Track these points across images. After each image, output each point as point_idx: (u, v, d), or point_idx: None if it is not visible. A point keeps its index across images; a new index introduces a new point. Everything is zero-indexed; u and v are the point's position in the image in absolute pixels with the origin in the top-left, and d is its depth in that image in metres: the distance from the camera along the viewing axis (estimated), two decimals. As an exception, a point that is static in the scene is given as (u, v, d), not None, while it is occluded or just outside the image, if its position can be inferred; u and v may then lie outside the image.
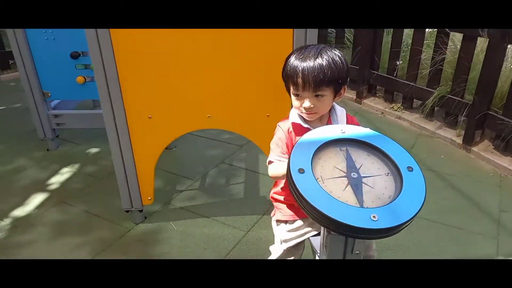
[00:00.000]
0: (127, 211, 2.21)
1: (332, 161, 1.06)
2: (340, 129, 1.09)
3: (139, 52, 1.79)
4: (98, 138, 3.20)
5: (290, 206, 1.42)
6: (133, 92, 1.88)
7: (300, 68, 1.18)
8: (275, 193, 1.45)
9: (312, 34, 1.72)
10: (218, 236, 2.16)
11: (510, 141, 2.77)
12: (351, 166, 1.05)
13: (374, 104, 3.87)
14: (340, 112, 1.32)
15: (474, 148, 2.97)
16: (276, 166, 1.25)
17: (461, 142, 3.06)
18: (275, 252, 1.48)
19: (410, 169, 1.01)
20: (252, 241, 2.11)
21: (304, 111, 1.25)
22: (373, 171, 1.05)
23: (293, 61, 1.22)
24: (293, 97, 1.27)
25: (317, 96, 1.21)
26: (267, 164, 1.29)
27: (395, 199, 0.96)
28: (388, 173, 1.03)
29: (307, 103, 1.22)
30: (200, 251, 2.05)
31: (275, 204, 1.47)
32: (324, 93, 1.21)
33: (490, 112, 2.86)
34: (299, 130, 1.30)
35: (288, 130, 1.30)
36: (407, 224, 0.90)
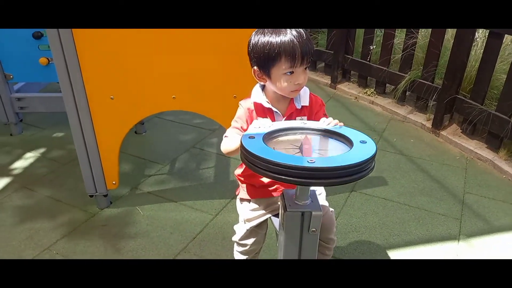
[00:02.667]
0: (91, 196, 2.15)
1: (290, 140, 1.10)
2: (303, 122, 1.16)
3: (100, 31, 1.72)
4: (63, 122, 3.06)
5: (250, 186, 1.40)
6: (94, 72, 1.81)
7: (296, 40, 1.12)
8: (238, 172, 1.43)
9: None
10: (186, 220, 2.13)
11: (477, 124, 2.82)
12: (305, 143, 1.06)
13: (348, 89, 3.88)
14: (303, 92, 1.29)
15: (443, 132, 3.01)
16: (230, 140, 1.21)
17: (431, 126, 3.10)
18: (239, 231, 1.47)
19: (363, 142, 1.02)
20: (220, 225, 2.09)
21: (296, 88, 1.20)
22: (329, 148, 1.07)
23: (275, 36, 1.13)
24: (282, 78, 1.18)
25: (304, 68, 1.18)
26: (224, 136, 1.26)
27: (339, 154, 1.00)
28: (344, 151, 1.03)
29: (301, 78, 1.18)
30: (166, 235, 2.02)
31: (238, 182, 1.46)
32: (307, 65, 1.19)
33: (458, 96, 2.90)
34: (261, 110, 1.27)
35: (249, 109, 1.28)
36: (345, 172, 0.91)
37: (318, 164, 0.90)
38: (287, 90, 1.20)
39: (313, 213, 1.08)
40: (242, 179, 1.42)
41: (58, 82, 3.36)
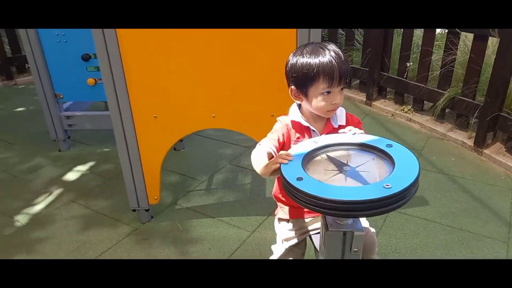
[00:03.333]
0: (133, 210, 2.24)
1: (320, 167, 1.11)
2: (313, 141, 1.16)
3: (145, 52, 1.82)
4: (108, 139, 3.24)
5: (291, 207, 1.41)
6: (139, 92, 1.90)
7: (335, 61, 1.16)
8: (276, 191, 1.45)
9: (316, 33, 1.72)
10: (223, 236, 2.16)
11: (522, 143, 2.71)
12: (339, 164, 1.08)
13: (384, 106, 3.83)
14: (340, 112, 1.31)
15: (486, 151, 2.91)
16: (259, 155, 1.21)
17: (472, 144, 3.00)
18: (277, 251, 1.47)
19: (389, 145, 1.05)
20: (257, 242, 2.11)
21: (332, 108, 1.22)
22: (360, 160, 1.09)
23: (314, 57, 1.17)
24: (318, 97, 1.20)
25: (341, 89, 1.21)
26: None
27: (394, 169, 1.00)
28: (373, 158, 1.06)
29: (337, 98, 1.21)
30: (205, 250, 2.06)
31: (278, 203, 1.47)
32: (343, 85, 1.22)
33: (502, 114, 2.81)
34: (298, 128, 1.30)
35: (287, 125, 1.30)
36: (416, 185, 0.95)
37: (397, 189, 0.91)
38: (324, 110, 1.23)
39: (355, 233, 1.08)
40: (282, 198, 1.43)
41: (102, 101, 3.57)
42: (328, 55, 1.17)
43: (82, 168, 2.90)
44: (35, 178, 2.77)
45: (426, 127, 3.40)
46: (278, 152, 1.22)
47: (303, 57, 1.20)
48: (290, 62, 1.24)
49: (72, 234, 2.20)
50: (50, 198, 2.54)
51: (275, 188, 1.46)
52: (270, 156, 1.20)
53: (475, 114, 2.97)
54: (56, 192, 2.60)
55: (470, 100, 3.02)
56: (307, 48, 1.21)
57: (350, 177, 1.02)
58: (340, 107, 1.29)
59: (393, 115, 3.71)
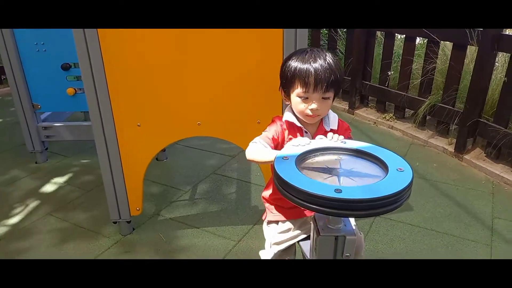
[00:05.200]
0: (114, 222, 2.16)
1: (325, 161, 1.11)
2: (342, 140, 1.18)
3: (128, 59, 1.78)
4: (87, 150, 3.17)
5: (279, 208, 1.40)
6: (123, 100, 1.86)
7: (312, 68, 1.19)
8: (266, 194, 1.43)
9: (302, 36, 1.72)
10: (208, 246, 2.11)
11: (501, 148, 2.77)
12: (340, 166, 1.07)
13: (367, 114, 3.88)
14: (333, 117, 1.34)
15: (466, 156, 2.96)
16: (257, 149, 1.22)
17: (453, 150, 3.05)
18: (265, 256, 1.45)
19: (400, 169, 1.00)
20: (243, 251, 2.07)
21: (309, 113, 1.24)
22: (352, 165, 1.08)
23: (299, 62, 1.21)
24: (297, 100, 1.25)
25: (323, 98, 1.23)
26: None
27: (388, 173, 0.99)
28: (381, 177, 1.01)
29: (314, 105, 1.22)
30: (190, 262, 2.00)
31: (266, 205, 1.45)
32: (330, 95, 1.24)
33: (481, 120, 2.87)
34: (292, 128, 1.31)
35: (282, 125, 1.32)
36: (374, 204, 0.89)
37: (344, 195, 0.88)
38: (303, 113, 1.26)
39: (347, 237, 1.06)
40: (271, 200, 1.42)
41: (82, 112, 3.48)
42: (313, 61, 1.20)
43: (60, 180, 2.80)
44: (11, 191, 2.66)
45: (407, 134, 3.45)
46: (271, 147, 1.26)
47: (291, 60, 1.25)
48: (283, 64, 1.29)
49: (49, 248, 2.11)
50: (27, 211, 2.43)
51: (265, 190, 1.44)
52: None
53: (455, 121, 3.03)
54: (33, 205, 2.50)
55: (450, 107, 3.08)
56: (299, 52, 1.26)
57: (333, 177, 1.02)
58: (333, 114, 1.34)
59: (375, 123, 3.76)
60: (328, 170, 1.06)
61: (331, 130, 1.30)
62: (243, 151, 1.28)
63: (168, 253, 2.06)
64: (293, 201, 0.96)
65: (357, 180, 1.01)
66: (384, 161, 1.03)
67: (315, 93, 1.20)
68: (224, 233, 2.22)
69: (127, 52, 1.77)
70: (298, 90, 1.22)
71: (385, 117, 3.74)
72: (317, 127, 1.32)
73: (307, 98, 1.22)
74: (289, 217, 1.39)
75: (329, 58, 1.22)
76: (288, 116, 1.31)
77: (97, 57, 1.75)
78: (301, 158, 1.08)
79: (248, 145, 1.27)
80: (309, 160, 1.11)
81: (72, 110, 3.32)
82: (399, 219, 2.31)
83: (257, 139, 1.27)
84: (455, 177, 2.80)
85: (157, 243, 2.14)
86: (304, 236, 1.37)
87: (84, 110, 3.30)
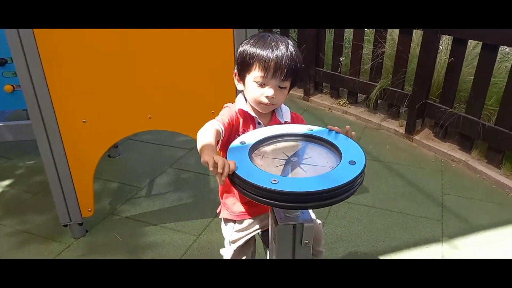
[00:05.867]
0: (65, 226, 2.04)
1: (284, 148, 1.10)
2: (308, 128, 1.15)
3: (68, 52, 1.67)
4: (32, 151, 2.96)
5: (235, 204, 1.36)
6: (65, 96, 1.74)
7: (274, 54, 1.13)
8: (221, 191, 1.39)
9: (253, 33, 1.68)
10: (167, 243, 2.05)
11: (448, 127, 2.90)
12: (296, 154, 1.06)
13: (321, 100, 3.93)
14: (285, 109, 1.30)
15: (416, 137, 3.08)
16: (206, 131, 1.10)
17: (404, 132, 3.16)
18: (226, 254, 1.41)
19: (352, 162, 0.99)
20: (204, 245, 2.03)
21: (264, 101, 1.18)
22: (317, 162, 1.05)
23: (260, 45, 1.15)
24: (252, 86, 1.18)
25: (280, 87, 1.18)
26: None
27: (341, 160, 0.99)
28: (332, 167, 1.00)
29: (270, 91, 1.16)
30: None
31: (222, 201, 1.41)
32: (287, 84, 1.19)
33: (428, 101, 2.99)
34: (245, 118, 1.25)
35: (236, 112, 1.25)
36: (308, 199, 0.88)
37: (279, 187, 0.87)
38: (257, 100, 1.20)
39: (305, 224, 1.05)
40: (228, 195, 1.37)
41: (24, 110, 3.25)
42: (274, 47, 1.15)
43: (4, 183, 2.61)
44: None
45: (361, 118, 3.53)
46: (225, 133, 1.17)
47: (249, 44, 1.19)
48: (239, 48, 1.22)
49: (-6, 259, 1.96)
50: (-34, 220, 2.25)
51: (220, 187, 1.40)
52: (218, 135, 1.12)
53: (405, 103, 3.13)
54: (-27, 213, 2.31)
55: (399, 90, 3.18)
56: (258, 37, 1.20)
57: (284, 166, 1.00)
58: (285, 105, 1.29)
59: (330, 108, 3.81)
60: (283, 158, 1.04)
61: (286, 123, 1.27)
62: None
63: (125, 254, 1.98)
64: (237, 189, 0.96)
65: (307, 170, 1.00)
66: (342, 152, 1.03)
67: (273, 79, 1.14)
68: (183, 228, 2.16)
69: (67, 44, 1.65)
70: (256, 74, 1.16)
71: (339, 103, 3.81)
72: (270, 119, 1.27)
73: (264, 84, 1.16)
74: (247, 214, 1.35)
75: (291, 46, 1.17)
76: (241, 104, 1.25)
77: (32, 51, 1.62)
78: (259, 145, 1.07)
79: None
80: (268, 147, 1.09)
81: (11, 109, 3.08)
82: (356, 202, 2.37)
83: (212, 120, 1.18)
84: (406, 157, 2.90)
85: (113, 244, 2.05)
86: (262, 229, 1.36)
87: (25, 108, 3.08)
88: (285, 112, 1.29)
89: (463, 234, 2.09)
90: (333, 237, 2.08)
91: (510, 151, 2.50)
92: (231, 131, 1.22)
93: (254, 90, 1.18)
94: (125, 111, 1.82)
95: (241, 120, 1.24)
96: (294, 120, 1.31)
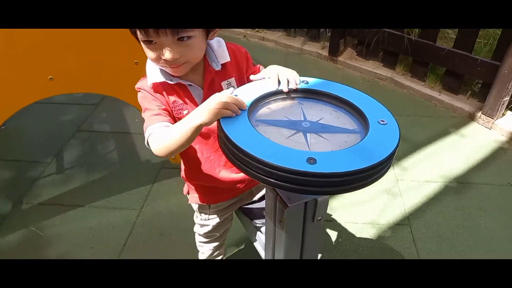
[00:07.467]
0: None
1: (283, 109, 0.86)
2: (303, 80, 0.93)
3: None
4: None
5: (205, 189, 1.11)
6: None
7: None
8: (186, 172, 1.11)
9: None
10: (105, 226, 1.71)
11: (371, 45, 2.85)
12: (304, 118, 0.81)
13: (236, 28, 3.58)
14: (218, 45, 0.96)
15: (340, 58, 3.00)
16: (169, 131, 0.82)
17: (327, 54, 3.05)
18: (199, 234, 1.23)
19: (382, 122, 0.80)
20: (150, 219, 1.74)
21: (166, 65, 0.85)
22: (333, 125, 0.83)
23: None
24: (143, 46, 0.84)
25: (181, 39, 0.82)
26: (147, 141, 0.87)
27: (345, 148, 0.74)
28: (355, 129, 0.81)
29: (168, 54, 0.82)
30: (86, 253, 1.59)
31: (188, 184, 1.15)
32: (191, 33, 0.82)
33: (350, 19, 2.87)
34: (166, 90, 0.91)
35: (154, 89, 0.91)
36: (352, 178, 0.67)
37: (319, 169, 0.64)
38: (157, 63, 0.87)
39: (318, 200, 0.85)
40: (194, 180, 1.11)
41: None
42: None
43: None
44: None
45: (280, 44, 3.32)
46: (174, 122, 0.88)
47: None
48: None
49: None
50: None
51: (183, 168, 1.10)
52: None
53: (325, 23, 2.98)
54: None
55: (318, 9, 2.99)
56: None
57: (298, 135, 0.77)
58: (218, 39, 0.96)
59: (245, 36, 3.51)
60: (290, 124, 0.79)
61: (225, 66, 0.96)
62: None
63: (52, 251, 1.59)
64: (249, 174, 0.69)
65: (329, 138, 0.77)
66: (360, 108, 0.81)
67: (161, 36, 0.80)
68: (119, 204, 1.82)
69: None
70: (139, 33, 0.82)
71: (255, 29, 3.51)
72: (203, 70, 0.94)
73: (154, 43, 0.82)
74: (220, 199, 1.13)
75: None
76: (153, 76, 0.90)
77: None
78: (254, 107, 0.81)
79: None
80: (263, 110, 0.83)
81: None
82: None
83: (150, 128, 0.86)
84: (333, 79, 2.80)
85: (33, 241, 1.64)
86: (237, 206, 1.17)
87: None
88: (218, 50, 0.96)
89: (408, 154, 2.12)
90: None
91: (434, 63, 2.55)
92: (173, 117, 0.92)
93: (149, 53, 0.85)
94: (15, 76, 1.32)
95: (163, 98, 0.91)
96: (237, 57, 1.00)
